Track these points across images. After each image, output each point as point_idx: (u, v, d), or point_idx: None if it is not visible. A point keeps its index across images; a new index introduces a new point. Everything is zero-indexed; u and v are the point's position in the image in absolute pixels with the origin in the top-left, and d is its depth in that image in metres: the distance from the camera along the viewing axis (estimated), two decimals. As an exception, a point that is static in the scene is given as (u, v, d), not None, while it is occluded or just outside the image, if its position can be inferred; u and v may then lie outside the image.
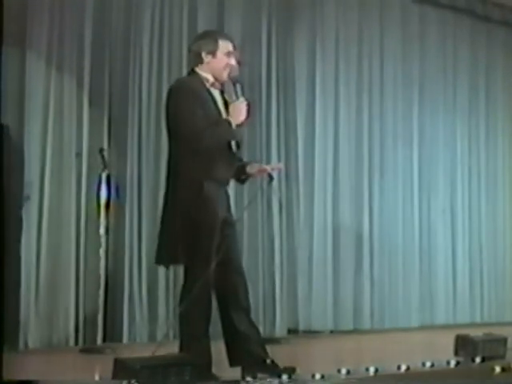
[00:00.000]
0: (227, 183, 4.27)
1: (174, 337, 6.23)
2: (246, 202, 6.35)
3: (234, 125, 4.14)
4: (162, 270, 6.43)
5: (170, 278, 6.47)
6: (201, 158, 4.08)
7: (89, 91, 6.28)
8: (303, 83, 7.61)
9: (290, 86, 7.50)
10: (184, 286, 4.12)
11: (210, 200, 4.06)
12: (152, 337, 6.32)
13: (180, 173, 4.14)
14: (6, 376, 3.62)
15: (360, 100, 8.05)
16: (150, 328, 6.36)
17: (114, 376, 3.57)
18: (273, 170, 4.43)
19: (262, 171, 4.34)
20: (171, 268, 6.31)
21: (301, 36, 7.62)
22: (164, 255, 4.18)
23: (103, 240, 5.93)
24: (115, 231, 6.21)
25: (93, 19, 6.34)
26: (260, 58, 7.28)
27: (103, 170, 5.95)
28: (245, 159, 4.52)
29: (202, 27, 6.53)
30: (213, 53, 4.19)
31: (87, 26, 6.31)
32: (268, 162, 6.88)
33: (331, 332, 7.46)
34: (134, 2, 6.61)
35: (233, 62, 4.22)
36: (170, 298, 6.48)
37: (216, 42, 4.19)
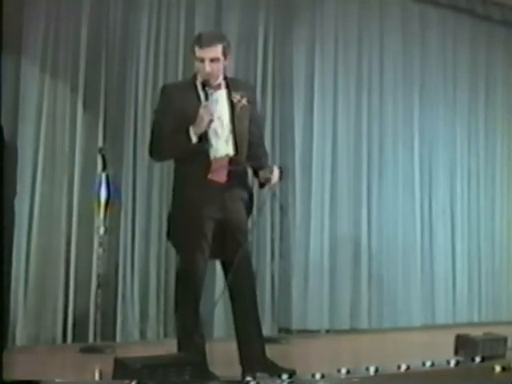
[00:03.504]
0: (225, 185, 4.23)
1: (165, 336, 6.34)
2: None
3: (193, 132, 4.12)
4: (153, 269, 6.49)
5: (162, 277, 6.50)
6: (181, 162, 4.24)
7: (84, 93, 6.28)
8: (301, 83, 7.59)
9: (287, 85, 7.49)
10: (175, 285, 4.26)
11: (192, 201, 4.15)
12: (143, 336, 6.36)
13: (174, 173, 4.31)
14: (6, 376, 3.61)
15: (359, 100, 8.04)
16: (141, 327, 6.38)
17: (115, 376, 3.57)
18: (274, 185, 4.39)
19: (267, 181, 4.33)
20: (163, 267, 6.49)
21: (299, 36, 7.61)
22: None
23: (101, 240, 5.93)
24: (109, 231, 6.21)
25: (89, 20, 6.34)
26: (256, 59, 7.27)
27: (103, 170, 5.95)
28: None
29: (199, 28, 6.54)
30: (195, 59, 4.23)
31: (83, 28, 6.32)
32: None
33: (327, 331, 7.46)
34: (131, 4, 6.61)
35: (206, 68, 4.18)
36: (161, 298, 6.50)
37: (193, 48, 4.22)
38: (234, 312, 4.29)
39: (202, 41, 4.20)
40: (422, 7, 8.63)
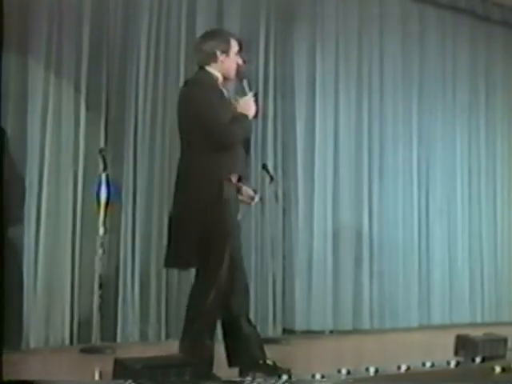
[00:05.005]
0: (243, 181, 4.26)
1: (166, 337, 6.34)
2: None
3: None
4: (154, 270, 6.45)
5: (163, 279, 6.48)
6: (221, 155, 4.05)
7: (86, 94, 6.28)
8: (303, 84, 7.60)
9: (288, 86, 7.50)
10: (194, 287, 4.09)
11: (228, 202, 4.05)
12: (143, 336, 6.34)
13: (197, 173, 4.06)
14: (6, 376, 3.61)
15: (360, 100, 8.04)
16: (142, 328, 6.36)
17: (115, 376, 3.58)
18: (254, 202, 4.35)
19: (247, 200, 4.32)
20: (164, 269, 6.23)
21: (300, 37, 7.61)
22: (176, 258, 4.11)
23: (102, 240, 5.93)
24: (110, 232, 6.21)
25: (90, 23, 6.34)
26: (258, 60, 7.27)
27: (103, 171, 5.94)
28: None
29: (200, 28, 6.53)
30: (226, 52, 4.24)
31: (85, 30, 6.31)
32: (263, 160, 7.00)
33: (331, 332, 7.46)
34: (132, 5, 6.61)
35: (240, 60, 4.30)
36: (162, 299, 6.49)
37: (228, 41, 4.27)
38: (228, 312, 4.16)
39: (235, 35, 4.36)
40: (421, 7, 8.64)
